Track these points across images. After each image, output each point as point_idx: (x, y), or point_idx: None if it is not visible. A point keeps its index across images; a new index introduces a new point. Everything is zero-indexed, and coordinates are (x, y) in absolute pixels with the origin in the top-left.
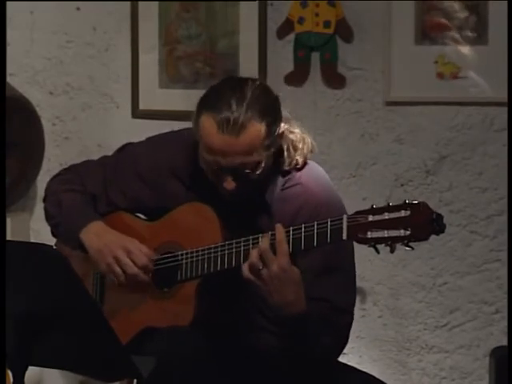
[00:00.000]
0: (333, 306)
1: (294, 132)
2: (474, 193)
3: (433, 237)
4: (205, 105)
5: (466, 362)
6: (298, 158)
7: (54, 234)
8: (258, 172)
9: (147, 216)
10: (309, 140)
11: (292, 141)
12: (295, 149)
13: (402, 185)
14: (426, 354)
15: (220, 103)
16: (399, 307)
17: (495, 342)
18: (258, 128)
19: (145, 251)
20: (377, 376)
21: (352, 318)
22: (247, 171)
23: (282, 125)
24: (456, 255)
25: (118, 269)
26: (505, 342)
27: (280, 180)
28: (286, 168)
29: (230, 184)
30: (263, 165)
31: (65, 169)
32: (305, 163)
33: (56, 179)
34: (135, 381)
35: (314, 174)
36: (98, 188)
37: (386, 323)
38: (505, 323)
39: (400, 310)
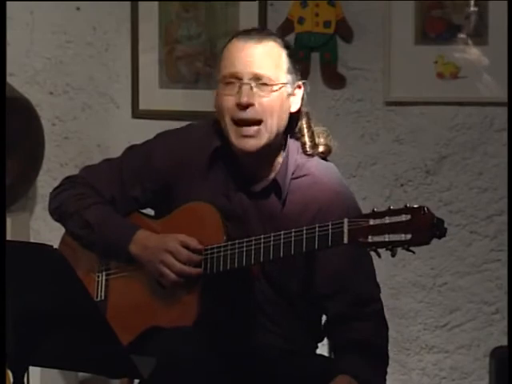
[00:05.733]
0: (361, 297)
1: (318, 125)
2: (473, 193)
3: None
4: (231, 39)
5: (466, 362)
6: (321, 146)
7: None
8: (274, 88)
9: (157, 212)
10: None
11: (314, 130)
12: (318, 135)
13: (401, 185)
14: (425, 354)
15: (247, 31)
16: (399, 307)
17: (495, 342)
18: (278, 47)
19: (185, 245)
20: None
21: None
22: (264, 82)
23: (300, 91)
24: (456, 255)
25: (166, 271)
26: (505, 342)
27: (292, 164)
28: (309, 151)
29: (246, 97)
30: (277, 89)
31: (67, 179)
32: (323, 157)
33: (66, 195)
34: (136, 381)
35: (327, 167)
36: (116, 190)
37: None
38: (505, 323)
39: (400, 310)
